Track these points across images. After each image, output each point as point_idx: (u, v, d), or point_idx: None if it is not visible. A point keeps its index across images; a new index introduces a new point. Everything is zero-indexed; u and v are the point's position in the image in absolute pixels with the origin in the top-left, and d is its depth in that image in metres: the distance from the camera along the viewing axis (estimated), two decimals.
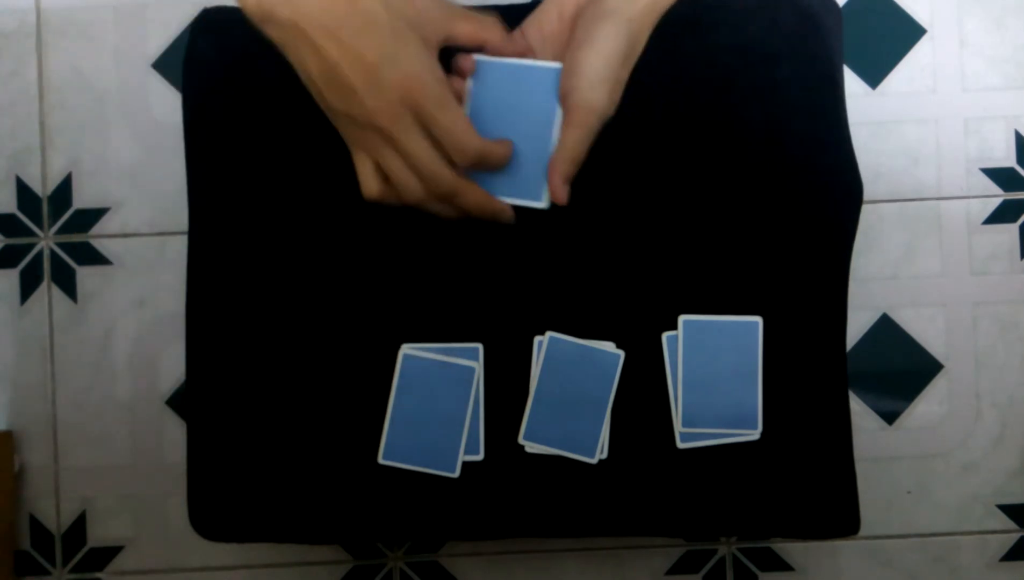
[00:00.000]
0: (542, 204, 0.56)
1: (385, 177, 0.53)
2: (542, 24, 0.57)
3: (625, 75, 0.54)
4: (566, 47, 0.55)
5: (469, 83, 0.55)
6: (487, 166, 0.53)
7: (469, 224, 0.66)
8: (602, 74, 0.53)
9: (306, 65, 0.50)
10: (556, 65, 0.54)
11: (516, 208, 0.56)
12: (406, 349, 0.65)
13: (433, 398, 0.65)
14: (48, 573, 0.92)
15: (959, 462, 0.91)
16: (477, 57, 0.55)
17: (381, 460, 0.64)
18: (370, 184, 0.53)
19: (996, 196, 0.92)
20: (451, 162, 0.52)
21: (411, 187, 0.52)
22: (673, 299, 0.66)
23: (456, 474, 0.64)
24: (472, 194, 0.54)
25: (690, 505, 0.65)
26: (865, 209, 0.67)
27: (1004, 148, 0.92)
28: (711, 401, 0.65)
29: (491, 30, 0.55)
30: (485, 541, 0.69)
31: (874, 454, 0.91)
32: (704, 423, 0.65)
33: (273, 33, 0.50)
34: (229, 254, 0.67)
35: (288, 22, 0.49)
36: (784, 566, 0.91)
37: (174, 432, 0.91)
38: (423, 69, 0.50)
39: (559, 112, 0.54)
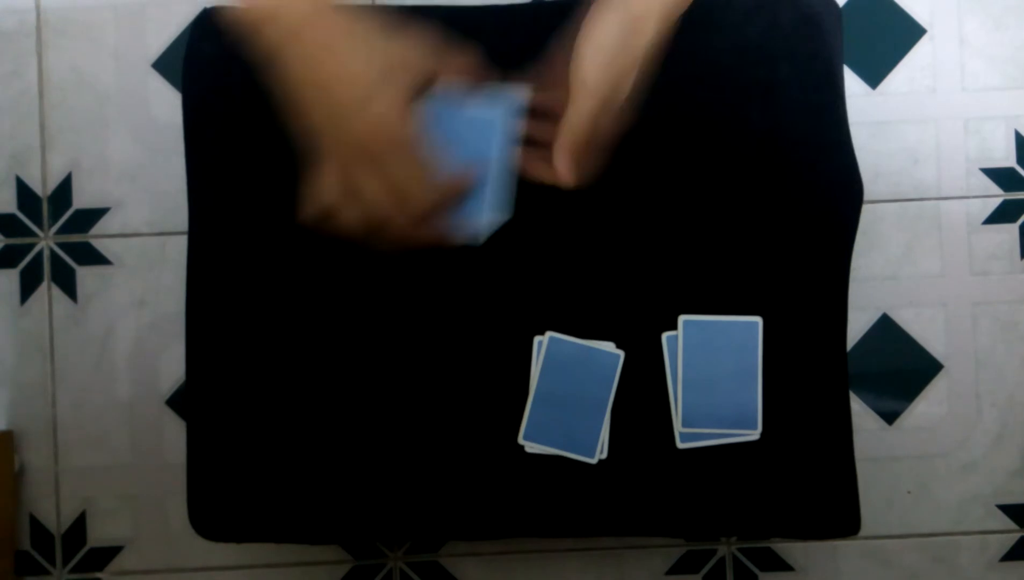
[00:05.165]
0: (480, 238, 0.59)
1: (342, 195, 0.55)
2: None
3: (627, 62, 0.54)
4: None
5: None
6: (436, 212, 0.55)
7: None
8: (592, 55, 0.53)
9: (298, 74, 0.51)
10: (500, 112, 0.58)
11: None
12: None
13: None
14: (48, 573, 0.92)
15: (959, 462, 0.91)
16: (438, 100, 0.58)
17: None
18: (315, 201, 0.55)
19: (996, 196, 0.92)
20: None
21: (350, 214, 0.54)
22: (673, 299, 0.66)
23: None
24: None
25: (690, 505, 0.65)
26: (865, 209, 0.67)
27: (1004, 148, 0.92)
28: (711, 401, 0.65)
29: (470, 64, 0.58)
30: (485, 541, 0.69)
31: (874, 454, 0.91)
32: (704, 423, 0.65)
33: (270, 36, 0.51)
34: (229, 254, 0.67)
35: (290, 27, 0.50)
36: (784, 566, 0.91)
37: (174, 432, 0.91)
38: (390, 116, 0.52)
39: (499, 155, 0.58)
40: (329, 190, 0.55)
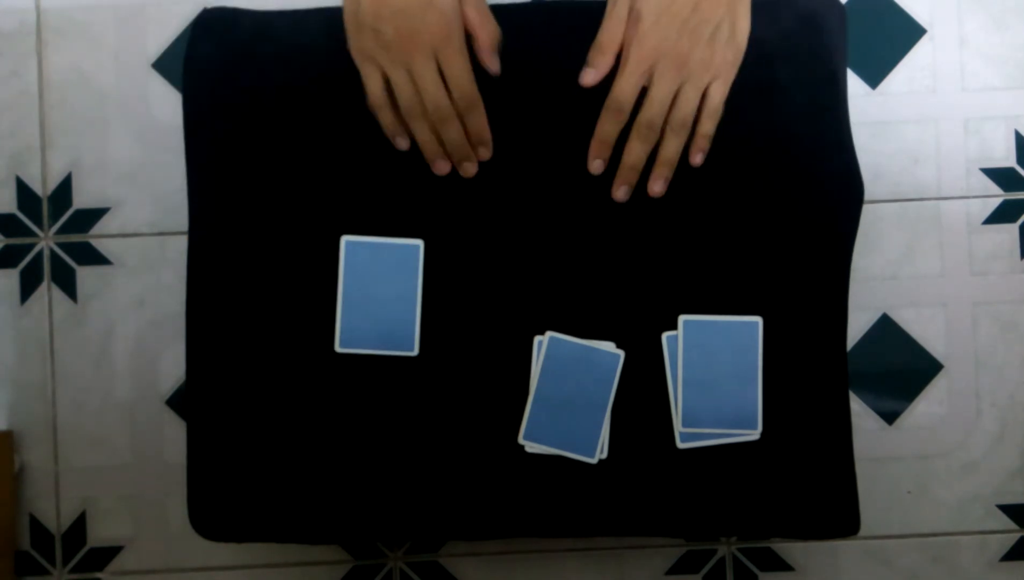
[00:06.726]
0: (412, 353, 0.66)
1: (389, 91, 0.65)
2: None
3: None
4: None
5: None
6: (472, 111, 0.65)
7: (467, 224, 0.66)
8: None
9: None
10: (417, 242, 0.66)
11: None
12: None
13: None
14: (48, 573, 0.92)
15: (959, 462, 0.91)
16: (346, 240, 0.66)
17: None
18: (377, 93, 0.65)
19: (996, 196, 0.92)
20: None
21: (413, 101, 0.64)
22: (673, 299, 0.66)
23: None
24: (476, 117, 0.65)
25: (690, 505, 0.65)
26: (865, 209, 0.67)
27: (1004, 148, 0.92)
28: (711, 401, 0.65)
29: (486, 29, 0.65)
30: (485, 541, 0.69)
31: (874, 454, 0.90)
32: (704, 423, 0.65)
33: None
34: (229, 254, 0.67)
35: None
36: (784, 566, 0.91)
37: (174, 432, 0.91)
38: (455, 18, 0.62)
39: (419, 282, 0.66)
40: (376, 93, 0.64)
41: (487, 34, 0.65)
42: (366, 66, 0.64)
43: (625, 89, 0.63)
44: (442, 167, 0.66)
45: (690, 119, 0.64)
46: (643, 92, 0.64)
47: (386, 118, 0.66)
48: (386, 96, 0.65)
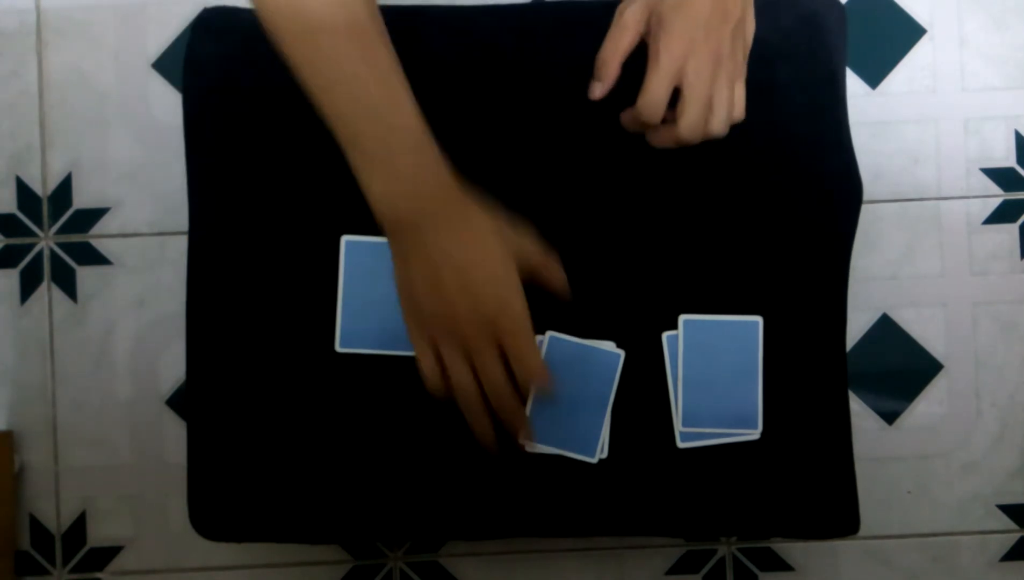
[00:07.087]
0: (412, 352, 0.62)
1: (443, 371, 0.60)
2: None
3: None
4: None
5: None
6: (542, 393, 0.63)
7: None
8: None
9: (412, 267, 0.57)
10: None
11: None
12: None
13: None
14: (48, 573, 0.92)
15: (959, 462, 0.91)
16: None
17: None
18: (435, 376, 0.60)
19: (996, 196, 0.92)
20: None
21: (468, 389, 0.59)
22: (673, 299, 0.66)
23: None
24: (520, 419, 0.61)
25: (690, 505, 0.65)
26: (865, 209, 0.67)
27: (1004, 148, 0.92)
28: (711, 401, 0.65)
29: (556, 277, 0.63)
30: (485, 541, 0.69)
31: (874, 454, 0.91)
32: (704, 423, 0.65)
33: (393, 236, 0.58)
34: (229, 254, 0.67)
35: (411, 226, 0.57)
36: (784, 566, 0.91)
37: (174, 432, 0.91)
38: (517, 297, 0.58)
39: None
40: (433, 376, 0.60)
41: (561, 283, 0.63)
42: (418, 343, 0.60)
43: (658, 90, 0.58)
44: (495, 449, 0.62)
45: (729, 119, 0.60)
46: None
47: (438, 395, 0.62)
48: (443, 382, 0.61)
